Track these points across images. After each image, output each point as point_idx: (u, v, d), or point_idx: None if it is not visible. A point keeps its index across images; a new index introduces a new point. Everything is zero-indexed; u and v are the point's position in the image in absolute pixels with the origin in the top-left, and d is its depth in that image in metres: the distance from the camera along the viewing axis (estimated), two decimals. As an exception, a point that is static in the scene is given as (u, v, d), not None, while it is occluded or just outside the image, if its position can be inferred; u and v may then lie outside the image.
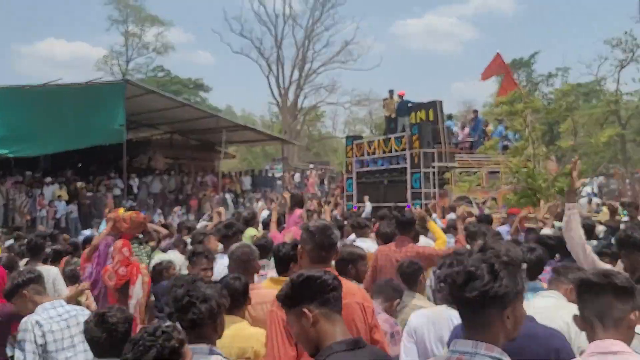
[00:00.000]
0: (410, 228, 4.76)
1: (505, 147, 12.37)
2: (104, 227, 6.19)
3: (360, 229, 5.83)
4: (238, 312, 2.84)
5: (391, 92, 16.14)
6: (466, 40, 68.46)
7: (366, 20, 79.95)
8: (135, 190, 18.96)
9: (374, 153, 15.29)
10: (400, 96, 15.76)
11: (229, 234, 4.60)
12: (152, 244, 6.27)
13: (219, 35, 70.55)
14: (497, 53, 11.71)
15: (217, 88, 75.15)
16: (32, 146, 14.69)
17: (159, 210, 17.94)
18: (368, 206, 13.88)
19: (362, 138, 17.89)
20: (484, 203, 12.74)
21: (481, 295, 1.48)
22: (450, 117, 15.53)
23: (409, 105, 15.51)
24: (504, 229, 6.73)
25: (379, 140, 15.42)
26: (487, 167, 13.44)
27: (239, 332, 2.73)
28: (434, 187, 13.53)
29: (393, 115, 15.96)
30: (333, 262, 3.84)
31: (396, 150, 14.43)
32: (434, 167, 13.64)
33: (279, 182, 23.52)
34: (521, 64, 37.40)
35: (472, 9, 69.21)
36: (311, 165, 27.07)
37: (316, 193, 21.65)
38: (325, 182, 24.92)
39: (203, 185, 21.12)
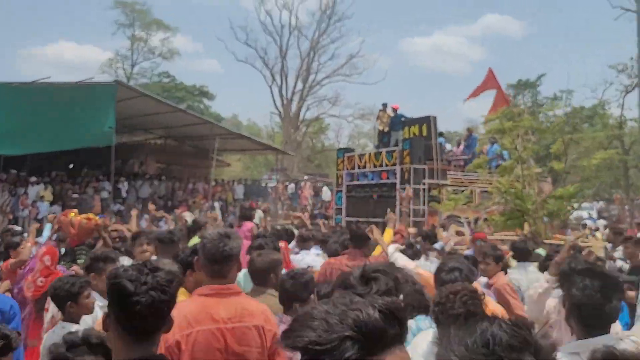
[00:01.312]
0: (363, 243, 4.43)
1: (498, 166, 12.00)
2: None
3: (303, 242, 5.51)
4: None
5: (385, 105, 15.84)
6: (473, 61, 68.46)
7: (374, 35, 79.80)
8: (124, 194, 18.71)
9: (364, 166, 14.92)
10: (394, 110, 15.43)
11: (165, 240, 4.30)
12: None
13: (223, 43, 70.74)
14: (489, 69, 11.47)
15: (223, 97, 75.50)
16: (17, 144, 14.41)
17: (146, 216, 17.62)
18: None
19: (353, 151, 17.51)
20: (475, 222, 12.34)
21: None
22: (441, 134, 15.14)
23: (403, 119, 15.17)
24: (468, 253, 6.35)
25: (370, 154, 15.06)
26: (479, 186, 13.05)
27: None
28: (424, 204, 13.12)
29: (386, 129, 15.63)
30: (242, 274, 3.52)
31: (387, 165, 14.07)
32: (424, 184, 13.25)
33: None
34: (527, 85, 37.13)
35: (480, 30, 69.35)
36: (306, 177, 26.73)
37: (308, 205, 21.30)
38: (323, 193, 24.57)
39: (194, 192, 20.84)
